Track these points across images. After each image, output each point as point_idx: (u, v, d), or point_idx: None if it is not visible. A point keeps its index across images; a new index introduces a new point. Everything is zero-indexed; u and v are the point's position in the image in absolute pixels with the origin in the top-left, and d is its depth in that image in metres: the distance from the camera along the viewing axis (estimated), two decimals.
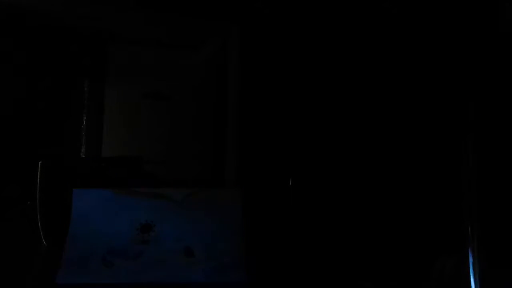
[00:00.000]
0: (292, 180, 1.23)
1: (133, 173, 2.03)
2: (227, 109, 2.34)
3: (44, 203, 0.59)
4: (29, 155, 2.29)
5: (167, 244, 0.47)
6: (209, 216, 0.49)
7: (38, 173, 0.59)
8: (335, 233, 0.85)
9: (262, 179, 1.57)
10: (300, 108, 1.40)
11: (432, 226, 0.76)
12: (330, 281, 0.49)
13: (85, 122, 2.66)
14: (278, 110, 1.56)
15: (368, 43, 1.11)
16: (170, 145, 2.99)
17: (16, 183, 1.72)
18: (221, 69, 2.47)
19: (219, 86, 2.50)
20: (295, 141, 1.38)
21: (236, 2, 1.99)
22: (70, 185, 0.57)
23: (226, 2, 2.03)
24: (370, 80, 1.11)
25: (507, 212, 0.68)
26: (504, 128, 0.72)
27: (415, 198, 0.90)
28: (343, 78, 1.20)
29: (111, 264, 0.45)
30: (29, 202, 1.15)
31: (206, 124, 2.87)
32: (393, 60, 1.05)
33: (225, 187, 0.51)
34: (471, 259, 0.37)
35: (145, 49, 2.80)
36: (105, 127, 2.71)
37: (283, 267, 0.54)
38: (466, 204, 0.41)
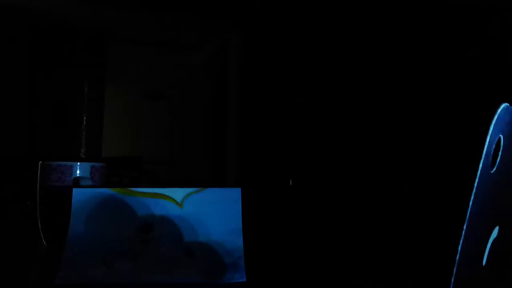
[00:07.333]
0: (292, 180, 1.23)
1: (133, 173, 2.03)
2: (227, 109, 2.34)
3: (44, 203, 0.59)
4: (29, 155, 2.29)
5: (167, 244, 0.47)
6: (209, 216, 0.49)
7: (38, 173, 0.59)
8: (335, 232, 0.85)
9: (262, 179, 1.57)
10: (300, 108, 1.40)
11: (429, 225, 0.77)
12: (330, 281, 0.49)
13: (85, 122, 2.67)
14: (278, 110, 1.56)
15: (367, 44, 1.12)
16: (170, 145, 3.00)
17: (16, 183, 1.72)
18: (221, 69, 2.47)
19: (219, 86, 2.50)
20: (295, 142, 1.38)
21: (237, 3, 1.99)
22: (70, 185, 0.57)
23: (227, 3, 2.03)
24: (369, 81, 1.11)
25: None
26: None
27: (412, 197, 0.90)
28: (343, 79, 1.20)
29: (111, 264, 0.45)
30: (29, 202, 1.15)
31: (206, 124, 2.87)
32: (391, 61, 1.05)
33: (225, 187, 0.51)
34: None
35: (145, 49, 2.80)
36: (105, 127, 2.72)
37: (283, 267, 0.54)
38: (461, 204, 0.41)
